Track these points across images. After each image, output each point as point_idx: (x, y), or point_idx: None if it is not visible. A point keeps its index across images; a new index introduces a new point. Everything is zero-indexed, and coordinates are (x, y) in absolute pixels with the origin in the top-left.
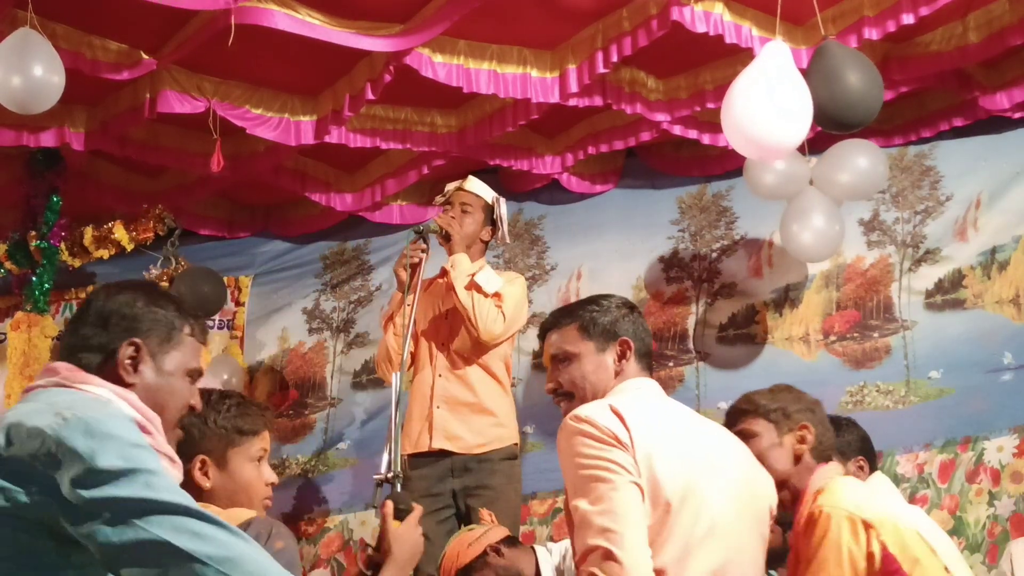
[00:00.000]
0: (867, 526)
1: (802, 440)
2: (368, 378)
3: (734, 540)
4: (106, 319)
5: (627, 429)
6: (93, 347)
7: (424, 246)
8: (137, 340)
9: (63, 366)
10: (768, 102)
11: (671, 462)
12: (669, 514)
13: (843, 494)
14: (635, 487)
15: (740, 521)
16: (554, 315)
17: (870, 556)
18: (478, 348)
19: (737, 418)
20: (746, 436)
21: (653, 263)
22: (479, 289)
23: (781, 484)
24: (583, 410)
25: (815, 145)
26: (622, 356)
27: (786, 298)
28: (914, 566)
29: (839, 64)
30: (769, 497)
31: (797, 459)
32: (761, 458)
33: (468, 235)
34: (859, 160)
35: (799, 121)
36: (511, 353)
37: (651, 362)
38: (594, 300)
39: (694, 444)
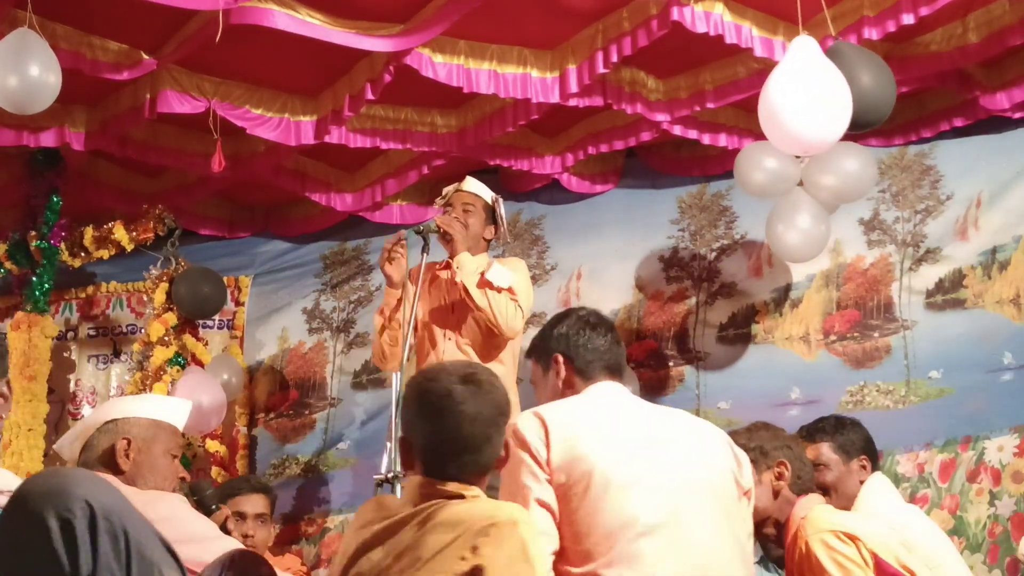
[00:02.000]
0: (852, 537)
1: (780, 476)
2: (368, 378)
3: (697, 533)
4: None
5: (545, 430)
6: None
7: (404, 242)
8: None
9: None
10: (807, 96)
11: (598, 452)
12: (593, 498)
13: (824, 518)
14: (547, 487)
15: (703, 508)
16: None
17: (865, 562)
18: (491, 340)
19: None
20: None
21: (653, 263)
22: (491, 286)
23: (764, 520)
24: (515, 422)
25: None
26: (557, 372)
27: (786, 298)
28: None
29: (853, 65)
30: (730, 480)
31: (776, 495)
32: None
33: (473, 235)
34: (848, 163)
35: (841, 112)
36: (519, 347)
37: (611, 365)
38: (546, 324)
39: (640, 440)
